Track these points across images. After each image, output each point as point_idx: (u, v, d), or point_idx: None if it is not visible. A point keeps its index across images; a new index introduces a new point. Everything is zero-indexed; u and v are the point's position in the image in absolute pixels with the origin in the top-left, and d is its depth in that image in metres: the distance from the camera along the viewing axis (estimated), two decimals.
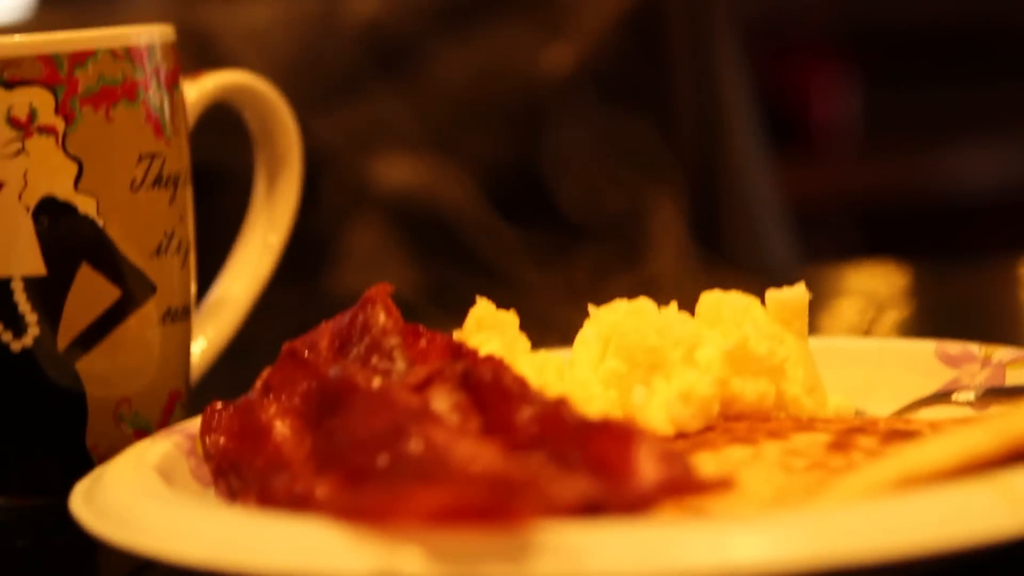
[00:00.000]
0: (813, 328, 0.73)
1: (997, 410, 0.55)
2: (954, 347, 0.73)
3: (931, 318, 1.18)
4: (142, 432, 0.72)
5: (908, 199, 2.73)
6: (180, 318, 0.75)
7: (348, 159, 1.42)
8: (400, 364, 0.62)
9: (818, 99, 2.93)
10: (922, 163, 2.85)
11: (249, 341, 0.83)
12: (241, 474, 0.64)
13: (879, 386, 0.73)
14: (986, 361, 0.71)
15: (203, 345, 0.80)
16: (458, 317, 0.71)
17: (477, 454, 0.51)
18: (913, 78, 2.84)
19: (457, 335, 0.69)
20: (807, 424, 0.67)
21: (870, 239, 1.63)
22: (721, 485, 0.50)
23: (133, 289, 0.71)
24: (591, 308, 0.70)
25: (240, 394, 0.66)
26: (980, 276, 1.36)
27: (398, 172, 1.46)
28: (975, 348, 0.72)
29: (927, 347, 0.74)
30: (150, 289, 0.72)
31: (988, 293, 1.28)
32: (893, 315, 1.18)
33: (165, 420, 0.74)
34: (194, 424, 0.67)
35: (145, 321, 0.72)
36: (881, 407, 0.72)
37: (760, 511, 0.52)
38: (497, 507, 0.47)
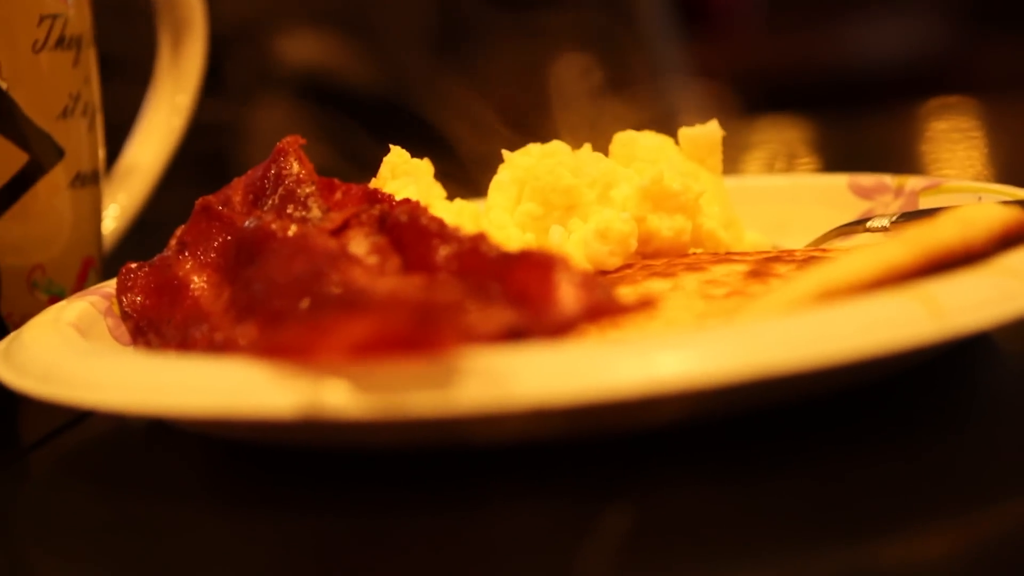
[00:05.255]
0: (727, 173, 0.74)
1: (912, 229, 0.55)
2: (867, 179, 0.73)
3: (840, 162, 1.18)
4: (56, 299, 0.71)
5: (812, 72, 2.75)
6: (90, 182, 0.73)
7: (254, 35, 1.40)
8: (316, 211, 0.62)
9: None
10: (825, 36, 2.87)
11: (161, 209, 0.82)
12: (160, 330, 0.63)
13: (795, 221, 0.74)
14: (899, 191, 0.71)
15: (115, 210, 0.79)
16: (372, 174, 0.71)
17: (397, 287, 0.51)
18: None
19: (372, 184, 0.69)
20: (725, 257, 0.67)
21: (776, 110, 1.66)
22: (642, 306, 0.50)
23: (40, 153, 0.70)
24: (505, 153, 0.70)
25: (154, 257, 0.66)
26: (884, 124, 1.37)
27: (305, 50, 1.44)
28: (887, 179, 0.72)
29: (840, 181, 0.74)
30: (58, 153, 0.70)
31: (893, 139, 1.29)
32: (804, 160, 1.19)
33: (79, 286, 0.73)
34: (110, 285, 0.66)
35: (54, 186, 0.71)
36: (797, 241, 0.72)
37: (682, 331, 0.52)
38: (420, 334, 0.46)
